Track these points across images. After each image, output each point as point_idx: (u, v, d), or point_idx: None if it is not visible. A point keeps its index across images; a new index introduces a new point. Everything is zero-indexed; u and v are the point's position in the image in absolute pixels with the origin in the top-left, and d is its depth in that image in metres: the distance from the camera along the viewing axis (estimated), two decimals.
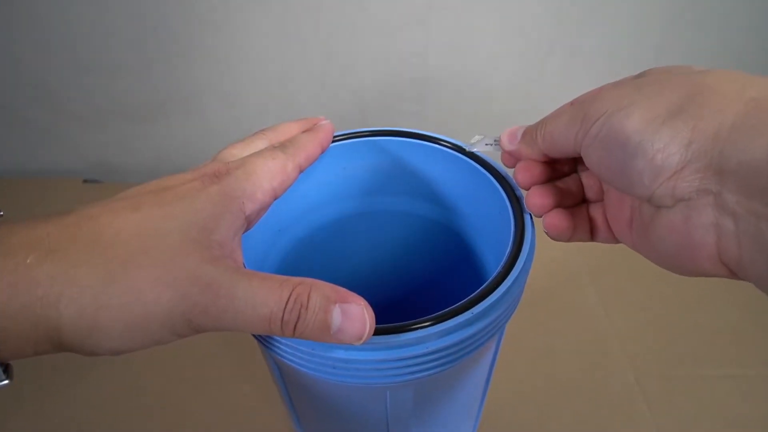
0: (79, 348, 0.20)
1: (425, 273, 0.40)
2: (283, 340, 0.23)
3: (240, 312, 0.20)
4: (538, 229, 0.28)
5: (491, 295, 0.23)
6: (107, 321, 0.20)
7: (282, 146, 0.27)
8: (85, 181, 0.74)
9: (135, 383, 0.51)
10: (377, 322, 0.22)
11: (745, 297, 0.58)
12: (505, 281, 0.24)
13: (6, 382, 0.21)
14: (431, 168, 0.34)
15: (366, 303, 0.22)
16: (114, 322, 0.20)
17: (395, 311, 0.35)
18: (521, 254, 0.25)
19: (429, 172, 0.34)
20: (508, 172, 0.31)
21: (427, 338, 0.22)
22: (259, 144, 0.28)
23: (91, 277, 0.19)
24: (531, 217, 0.27)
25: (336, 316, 0.21)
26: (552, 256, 0.60)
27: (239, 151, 0.27)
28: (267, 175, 0.25)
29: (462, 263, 0.36)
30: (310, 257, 0.37)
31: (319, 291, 0.21)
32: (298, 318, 0.21)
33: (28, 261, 0.19)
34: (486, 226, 0.33)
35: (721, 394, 0.49)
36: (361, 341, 0.21)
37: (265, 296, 0.20)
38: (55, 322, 0.19)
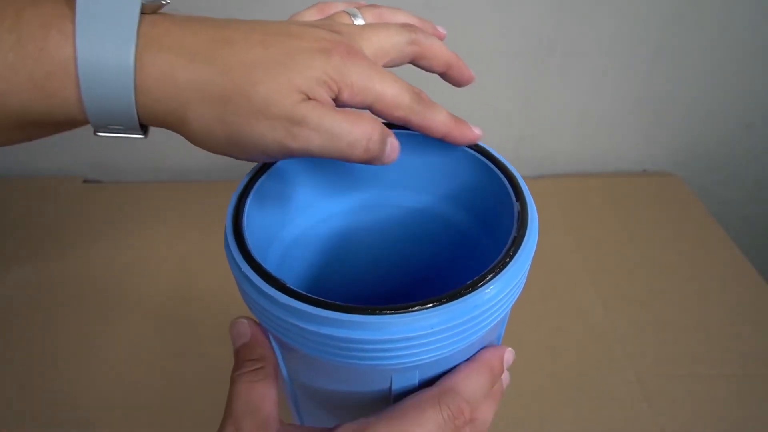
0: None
1: (427, 267, 0.40)
2: (287, 319, 0.23)
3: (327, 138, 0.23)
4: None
5: (497, 275, 0.23)
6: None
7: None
8: (85, 181, 0.74)
9: (136, 382, 0.50)
10: None
11: (745, 297, 0.58)
12: (511, 262, 0.24)
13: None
14: (432, 160, 0.34)
15: None
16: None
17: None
18: (526, 235, 0.25)
19: (430, 164, 0.34)
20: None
21: (432, 317, 0.22)
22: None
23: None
24: (534, 206, 0.28)
25: None
26: (552, 255, 0.61)
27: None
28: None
29: (463, 256, 0.36)
30: (312, 250, 0.37)
31: None
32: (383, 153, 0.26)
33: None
34: (488, 217, 0.33)
35: (721, 394, 0.49)
36: None
37: (351, 127, 0.24)
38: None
